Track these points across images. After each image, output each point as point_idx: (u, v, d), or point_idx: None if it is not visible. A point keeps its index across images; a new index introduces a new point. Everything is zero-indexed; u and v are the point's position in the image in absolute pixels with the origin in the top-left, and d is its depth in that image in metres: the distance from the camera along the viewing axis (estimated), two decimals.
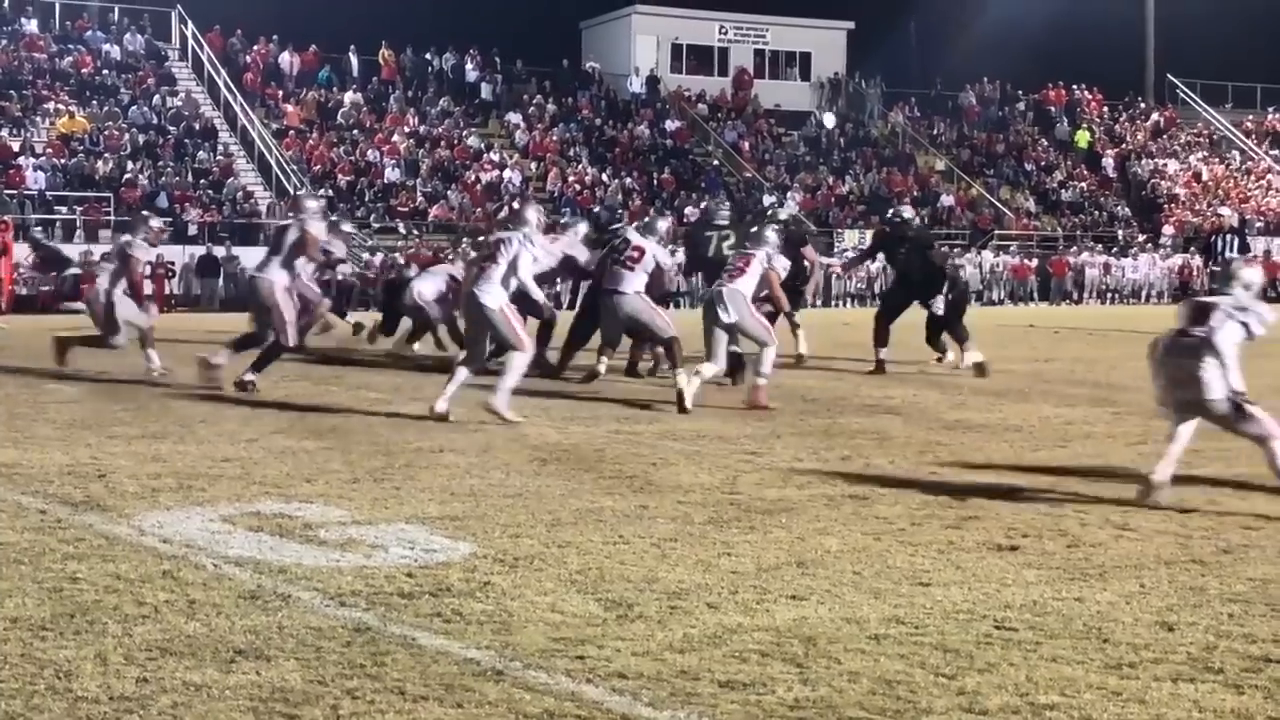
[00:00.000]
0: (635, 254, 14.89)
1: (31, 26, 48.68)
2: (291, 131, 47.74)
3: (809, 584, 6.58)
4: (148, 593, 6.18)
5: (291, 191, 43.86)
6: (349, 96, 50.49)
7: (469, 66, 53.96)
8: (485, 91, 53.63)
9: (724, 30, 60.79)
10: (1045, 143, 60.81)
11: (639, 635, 5.68)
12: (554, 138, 51.83)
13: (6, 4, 49.04)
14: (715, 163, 53.95)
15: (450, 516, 8.01)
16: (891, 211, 20.37)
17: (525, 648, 5.47)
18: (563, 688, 5.00)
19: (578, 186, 48.71)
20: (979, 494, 9.08)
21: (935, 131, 59.11)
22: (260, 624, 5.73)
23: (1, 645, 5.36)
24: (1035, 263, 49.88)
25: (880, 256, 20.22)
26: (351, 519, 7.93)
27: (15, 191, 40.78)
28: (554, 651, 5.42)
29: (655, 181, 50.85)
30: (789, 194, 51.48)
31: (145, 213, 24.36)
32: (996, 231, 52.61)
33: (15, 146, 42.44)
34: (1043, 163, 59.16)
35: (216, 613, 5.89)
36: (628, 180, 50.15)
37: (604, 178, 49.68)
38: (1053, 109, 62.74)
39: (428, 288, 18.49)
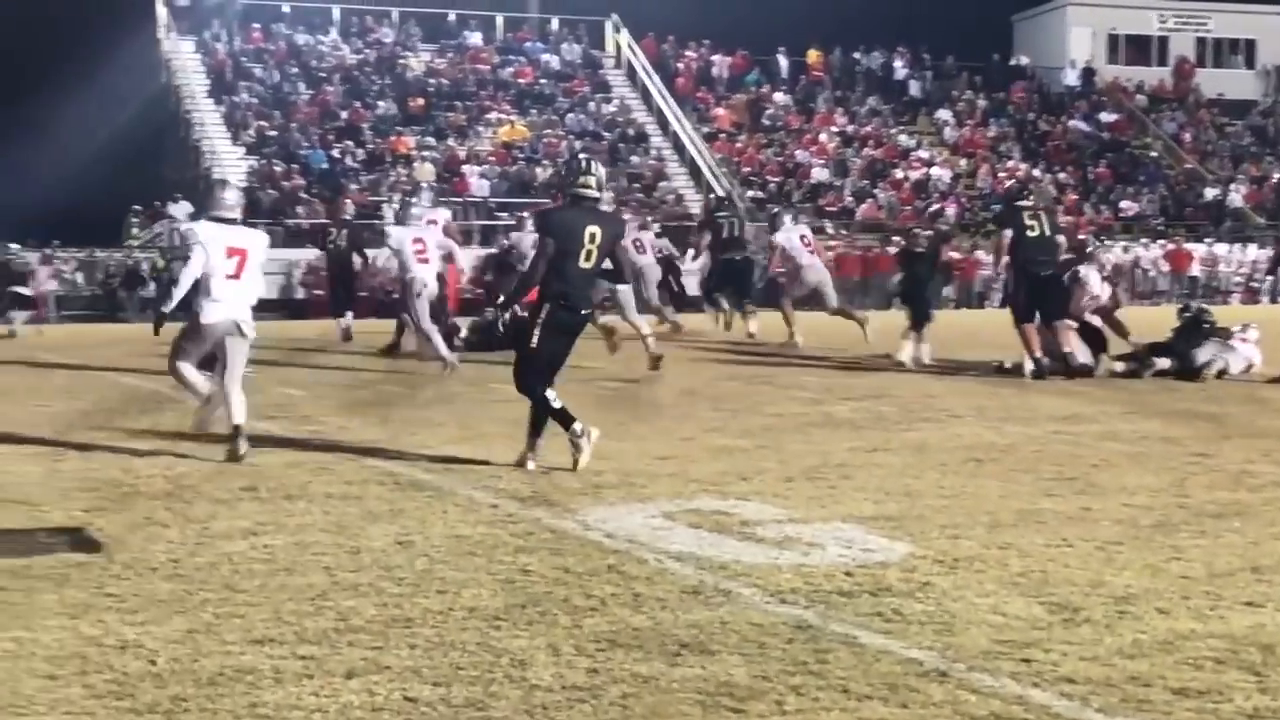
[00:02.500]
0: None
1: (475, 39, 50.71)
2: (722, 134, 48.41)
3: (1265, 591, 6.29)
4: (595, 586, 6.34)
5: (721, 193, 44.53)
6: (778, 97, 50.89)
7: (898, 64, 53.69)
8: (914, 88, 53.26)
9: (1163, 19, 58.84)
10: None
11: (1086, 639, 5.53)
12: (985, 133, 51.12)
13: (452, 18, 51.21)
14: (1154, 155, 52.30)
15: (886, 516, 7.97)
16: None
17: (968, 649, 5.39)
18: (1009, 690, 4.91)
19: (1010, 182, 47.95)
20: None
21: None
22: (703, 619, 5.80)
23: (460, 633, 5.58)
24: None
25: None
26: (788, 517, 7.97)
27: (461, 198, 42.55)
28: (998, 654, 5.33)
29: (1090, 176, 49.63)
30: (1232, 185, 49.47)
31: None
32: None
33: (461, 155, 44.27)
34: None
35: (661, 607, 5.99)
36: (1061, 175, 49.08)
37: (1036, 173, 48.73)
38: None
39: None
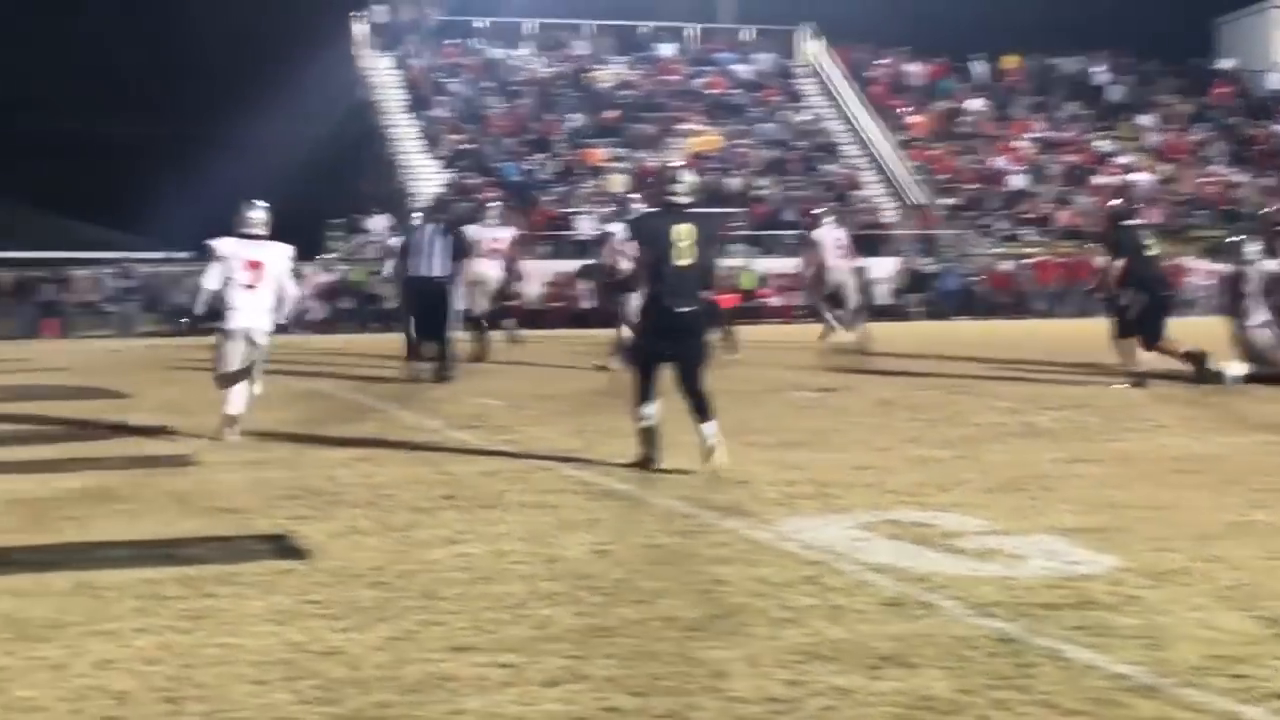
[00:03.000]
0: None
1: (667, 50, 50.91)
2: (916, 142, 47.99)
3: None
4: (792, 597, 6.29)
5: (915, 202, 44.16)
6: (974, 104, 50.31)
7: (1097, 68, 52.78)
8: (1114, 93, 52.31)
9: None
10: None
11: None
12: (1188, 138, 50.04)
13: (644, 30, 51.48)
14: None
15: (1091, 528, 7.80)
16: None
17: (1178, 664, 5.25)
18: (1220, 707, 4.77)
19: (1213, 188, 46.86)
20: None
21: None
22: (903, 631, 5.73)
23: (658, 644, 5.57)
24: None
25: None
26: (989, 529, 7.83)
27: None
28: (1209, 669, 5.18)
29: None
30: None
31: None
32: None
33: (653, 166, 44.43)
34: None
35: (860, 619, 5.93)
36: (1268, 180, 47.85)
37: (1241, 178, 47.57)
38: None
39: None
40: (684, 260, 10.01)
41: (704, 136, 46.14)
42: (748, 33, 52.46)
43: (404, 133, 45.23)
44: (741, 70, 50.46)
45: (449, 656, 5.43)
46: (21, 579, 6.74)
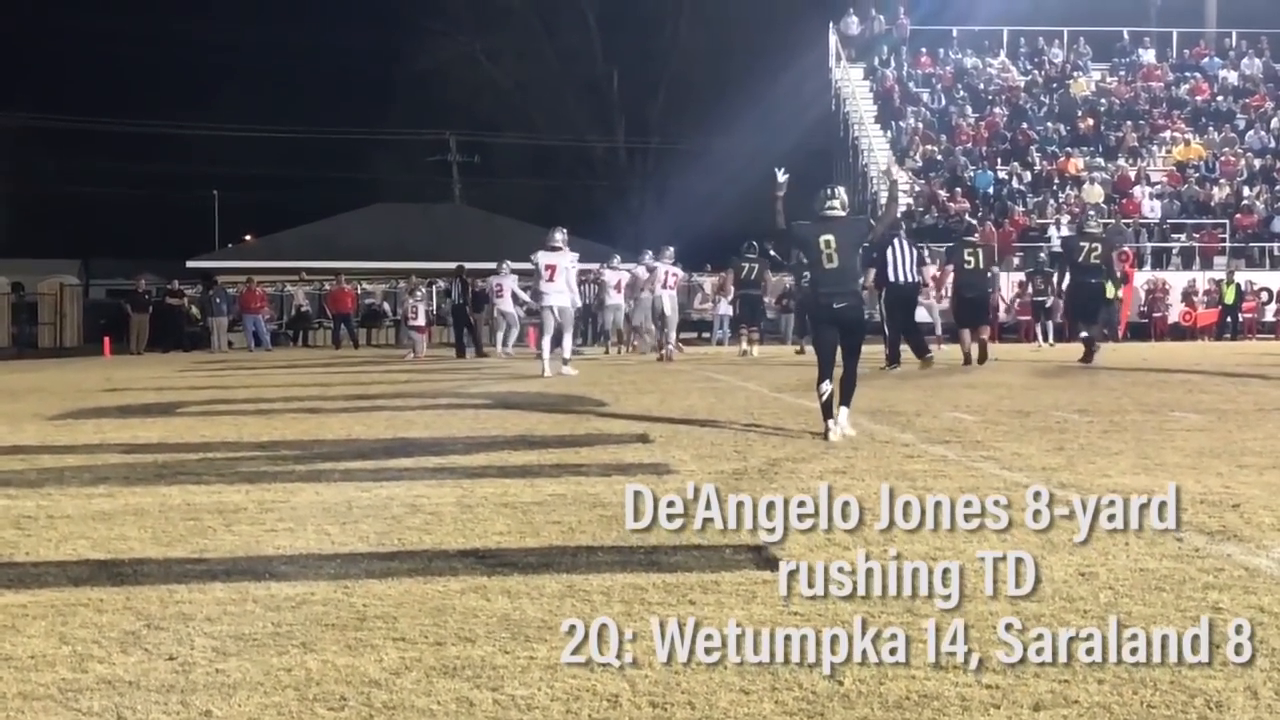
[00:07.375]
0: None
1: (1148, 56, 49.42)
2: None
3: None
4: None
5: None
6: None
7: None
8: None
9: None
10: None
11: None
12: None
13: (1125, 36, 50.10)
14: None
15: None
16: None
17: None
18: None
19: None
20: None
21: None
22: None
23: (1152, 670, 5.36)
24: None
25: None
26: None
27: (1131, 220, 41.51)
28: None
29: None
30: None
31: None
32: None
33: (1132, 175, 43.21)
34: None
35: None
36: None
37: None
38: None
39: None
40: (832, 264, 12.37)
41: (1187, 145, 44.61)
42: (1234, 37, 50.41)
43: (875, 143, 45.26)
44: (1227, 76, 48.55)
45: (932, 675, 5.37)
46: (515, 580, 6.98)
